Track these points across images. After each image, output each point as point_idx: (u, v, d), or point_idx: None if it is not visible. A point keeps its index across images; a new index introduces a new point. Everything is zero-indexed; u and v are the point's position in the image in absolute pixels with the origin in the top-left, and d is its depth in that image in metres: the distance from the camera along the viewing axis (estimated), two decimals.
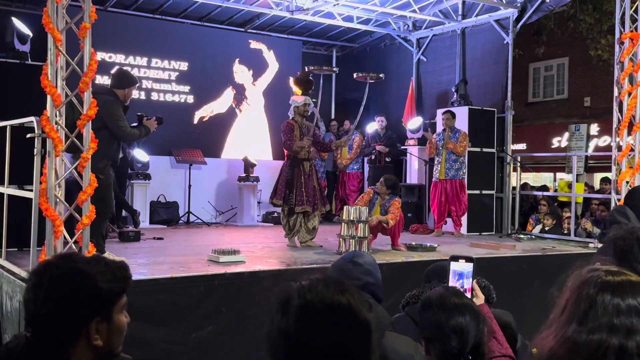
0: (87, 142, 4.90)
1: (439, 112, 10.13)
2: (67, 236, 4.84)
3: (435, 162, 9.37)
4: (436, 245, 7.32)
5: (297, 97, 7.66)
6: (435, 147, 9.24)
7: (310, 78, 8.31)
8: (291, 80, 8.92)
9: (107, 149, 5.60)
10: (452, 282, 2.20)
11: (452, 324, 2.08)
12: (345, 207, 6.81)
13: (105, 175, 5.57)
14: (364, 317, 1.41)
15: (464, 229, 9.51)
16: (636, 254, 2.16)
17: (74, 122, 5.03)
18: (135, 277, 4.79)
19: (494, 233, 9.70)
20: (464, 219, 9.47)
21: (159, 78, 10.70)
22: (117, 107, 5.74)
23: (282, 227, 7.59)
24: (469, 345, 2.05)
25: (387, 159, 10.81)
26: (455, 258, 2.34)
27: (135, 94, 10.41)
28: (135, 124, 6.11)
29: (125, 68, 6.27)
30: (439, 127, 9.82)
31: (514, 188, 10.03)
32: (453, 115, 9.32)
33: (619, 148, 7.93)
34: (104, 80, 10.08)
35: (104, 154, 5.51)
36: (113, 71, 6.31)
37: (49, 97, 4.80)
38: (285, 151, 7.69)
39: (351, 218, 6.60)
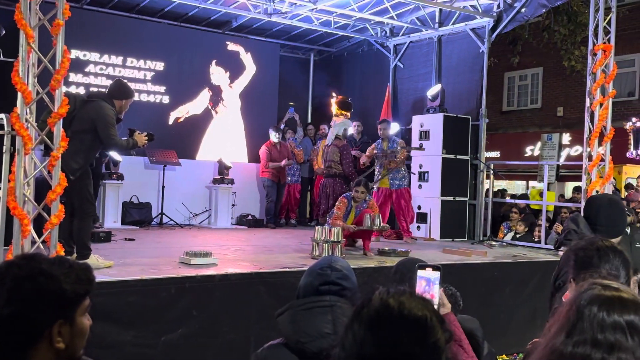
0: (58, 141, 4.83)
1: (415, 118, 10.20)
2: (35, 236, 4.76)
3: (376, 172, 9.37)
4: (410, 251, 7.36)
5: (348, 121, 8.01)
6: (371, 156, 9.26)
7: (349, 101, 8.72)
8: (338, 104, 9.29)
9: (87, 153, 5.52)
10: (419, 288, 2.20)
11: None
12: (317, 228, 6.81)
13: (81, 176, 5.49)
14: (438, 338, 1.38)
15: (436, 235, 9.58)
16: (596, 265, 2.19)
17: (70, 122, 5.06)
18: (104, 278, 4.75)
19: (466, 239, 9.77)
20: (437, 225, 9.53)
21: (134, 77, 10.60)
22: (112, 115, 5.62)
23: (269, 230, 7.81)
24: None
25: (362, 165, 10.83)
26: (423, 266, 2.36)
27: None
28: (125, 138, 6.01)
29: (123, 80, 6.15)
30: (414, 137, 9.92)
31: (495, 194, 10.12)
32: (389, 123, 9.42)
33: (590, 158, 8.04)
34: (77, 78, 9.98)
35: (82, 157, 5.44)
36: (114, 81, 6.20)
37: (19, 94, 4.73)
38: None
39: (324, 238, 6.59)
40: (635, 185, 11.51)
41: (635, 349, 1.48)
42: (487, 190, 10.15)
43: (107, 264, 5.43)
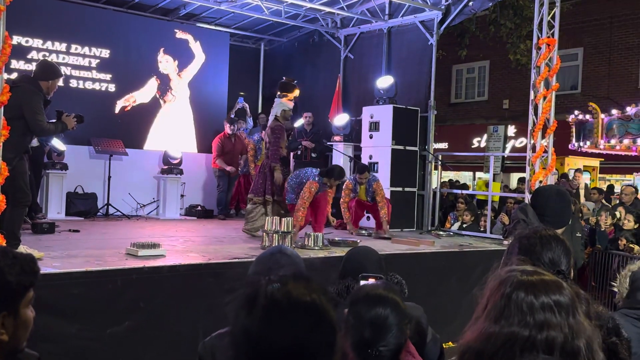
0: None
1: (365, 109, 10.25)
2: None
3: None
4: (358, 241, 7.41)
5: (286, 102, 7.80)
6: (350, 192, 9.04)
7: (294, 83, 8.50)
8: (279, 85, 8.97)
9: (20, 140, 5.35)
10: None
11: (372, 314, 2.07)
12: (267, 218, 6.82)
13: (17, 165, 5.32)
14: (331, 318, 1.37)
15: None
16: (538, 252, 2.26)
17: None
18: (48, 270, 4.64)
19: (414, 229, 9.91)
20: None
21: (78, 65, 10.33)
22: (37, 99, 5.46)
23: (219, 221, 7.77)
24: (383, 340, 2.05)
25: (312, 155, 10.83)
26: (365, 277, 2.41)
27: None
28: (53, 120, 5.83)
29: (49, 60, 5.91)
30: (364, 129, 9.96)
31: (442, 185, 10.27)
32: (368, 170, 9.02)
33: (534, 149, 8.25)
34: (19, 65, 9.66)
35: (16, 145, 5.27)
36: (39, 62, 5.98)
37: None
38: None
39: (275, 229, 6.61)
40: (571, 177, 11.85)
41: (562, 324, 1.54)
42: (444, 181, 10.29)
43: (37, 256, 5.27)
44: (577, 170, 12.17)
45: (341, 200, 8.87)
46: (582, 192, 12.10)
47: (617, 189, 14.27)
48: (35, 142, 5.91)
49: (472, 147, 18.25)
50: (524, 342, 1.53)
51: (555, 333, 1.53)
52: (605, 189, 13.25)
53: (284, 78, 8.95)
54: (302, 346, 1.31)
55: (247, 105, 12.13)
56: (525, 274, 1.63)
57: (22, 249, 5.23)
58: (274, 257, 2.38)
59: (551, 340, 1.52)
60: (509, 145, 16.91)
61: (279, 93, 8.28)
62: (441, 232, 9.40)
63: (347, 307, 2.15)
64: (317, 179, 7.59)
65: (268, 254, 2.43)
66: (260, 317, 1.33)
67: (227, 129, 10.80)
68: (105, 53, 10.60)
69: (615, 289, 3.04)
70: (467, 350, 1.61)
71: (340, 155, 10.46)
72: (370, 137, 10.01)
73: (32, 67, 9.78)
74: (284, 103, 7.76)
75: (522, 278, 1.61)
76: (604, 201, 11.63)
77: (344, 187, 8.80)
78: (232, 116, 11.51)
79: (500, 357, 1.54)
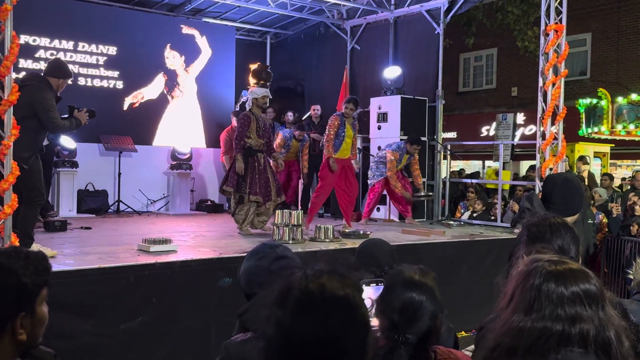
0: (9, 129, 4.71)
1: (373, 100, 10.23)
2: None
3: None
4: (369, 233, 7.42)
5: (256, 89, 7.56)
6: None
7: (269, 70, 8.32)
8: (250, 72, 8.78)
9: (34, 139, 5.36)
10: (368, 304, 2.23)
11: (406, 298, 2.03)
12: (277, 212, 6.81)
13: (32, 164, 5.35)
14: (363, 314, 1.38)
15: (395, 216, 9.69)
16: (548, 240, 2.25)
17: None
18: (61, 268, 4.67)
19: (425, 220, 9.90)
20: (394, 207, 9.63)
21: (86, 62, 10.36)
22: (49, 97, 5.45)
23: (229, 215, 7.55)
24: (412, 326, 2.01)
25: (321, 147, 10.83)
26: (367, 282, 2.41)
27: None
28: (65, 116, 5.85)
29: (62, 60, 5.90)
30: (372, 120, 9.94)
31: (451, 175, 10.24)
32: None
33: (543, 137, 8.21)
34: (27, 64, 9.70)
35: (30, 144, 5.28)
36: (51, 59, 5.97)
37: None
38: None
39: (285, 222, 6.61)
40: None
41: (593, 317, 1.54)
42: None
43: (50, 254, 5.30)
44: (580, 159, 12.07)
45: (388, 173, 8.92)
46: (586, 180, 11.99)
47: (621, 174, 14.18)
48: (45, 141, 5.92)
49: (481, 135, 18.16)
50: (559, 337, 1.52)
51: (587, 326, 1.53)
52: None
53: (266, 67, 8.74)
54: (334, 340, 1.31)
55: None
56: (553, 264, 1.62)
57: (35, 247, 5.28)
58: (266, 251, 2.35)
59: (585, 333, 1.52)
60: (518, 133, 16.79)
61: (250, 79, 8.19)
62: (451, 222, 9.38)
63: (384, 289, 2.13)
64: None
65: (259, 249, 2.40)
66: (292, 309, 1.34)
67: (234, 122, 10.79)
68: (112, 50, 10.62)
69: (631, 276, 3.03)
70: (497, 345, 1.59)
71: None
72: (379, 128, 9.99)
73: (40, 66, 9.86)
74: (253, 91, 7.61)
75: (551, 269, 1.60)
76: (615, 187, 11.55)
77: (388, 160, 8.91)
78: (237, 109, 11.51)
79: (534, 352, 1.53)
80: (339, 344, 1.32)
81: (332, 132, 8.20)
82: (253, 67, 8.62)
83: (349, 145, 8.36)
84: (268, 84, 8.14)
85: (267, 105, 7.74)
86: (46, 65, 5.89)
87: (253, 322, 2.16)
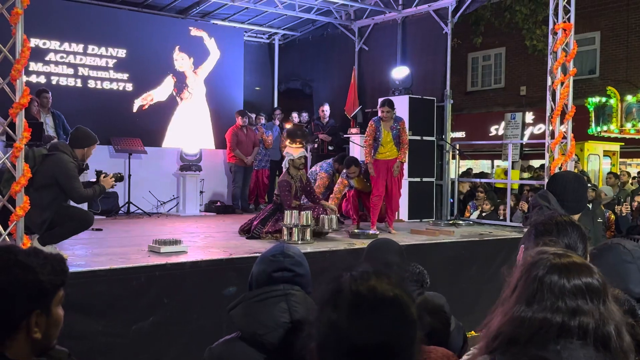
0: (20, 132, 4.76)
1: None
2: (0, 228, 4.70)
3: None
4: (378, 233, 7.44)
5: (292, 150, 7.52)
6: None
7: (305, 129, 8.29)
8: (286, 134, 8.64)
9: (50, 205, 5.34)
10: None
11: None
12: (286, 212, 6.82)
13: (59, 210, 5.38)
14: (412, 313, 1.40)
15: (404, 216, 9.68)
16: (554, 240, 2.26)
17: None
18: (73, 269, 4.71)
19: (433, 219, 9.89)
20: (404, 206, 9.59)
21: (96, 65, 10.43)
22: (72, 167, 5.43)
23: (239, 216, 7.57)
24: None
25: (329, 148, 10.87)
26: None
27: (71, 81, 10.18)
28: (93, 180, 5.85)
29: (84, 128, 5.87)
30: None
31: (461, 175, 10.24)
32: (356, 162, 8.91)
33: (552, 135, 8.19)
34: (38, 67, 9.78)
35: (46, 211, 5.29)
36: (74, 129, 5.94)
37: None
38: None
39: (294, 222, 6.63)
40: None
41: (594, 310, 1.56)
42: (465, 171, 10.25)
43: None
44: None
45: (333, 196, 8.55)
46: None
47: (633, 172, 14.10)
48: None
49: (490, 135, 18.12)
50: (558, 328, 1.55)
51: (587, 319, 1.55)
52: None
53: (301, 128, 8.65)
54: (389, 341, 1.34)
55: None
56: (557, 257, 1.65)
57: (50, 248, 5.32)
58: (277, 259, 2.34)
59: (585, 326, 1.54)
60: (527, 132, 16.76)
61: (285, 139, 8.16)
62: (460, 222, 9.38)
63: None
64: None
65: (270, 255, 2.40)
66: (347, 312, 1.36)
67: (239, 120, 10.85)
68: (121, 53, 10.69)
69: None
70: (499, 335, 1.62)
71: (357, 148, 10.47)
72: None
73: (50, 69, 9.95)
74: (288, 153, 7.62)
75: (555, 261, 1.63)
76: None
77: (338, 183, 8.61)
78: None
79: (534, 343, 1.56)
80: (393, 344, 1.35)
81: (368, 139, 8.26)
82: (288, 126, 8.58)
83: (386, 148, 8.29)
84: (305, 143, 8.03)
85: (304, 164, 7.74)
86: (69, 135, 5.86)
87: (240, 318, 2.18)
